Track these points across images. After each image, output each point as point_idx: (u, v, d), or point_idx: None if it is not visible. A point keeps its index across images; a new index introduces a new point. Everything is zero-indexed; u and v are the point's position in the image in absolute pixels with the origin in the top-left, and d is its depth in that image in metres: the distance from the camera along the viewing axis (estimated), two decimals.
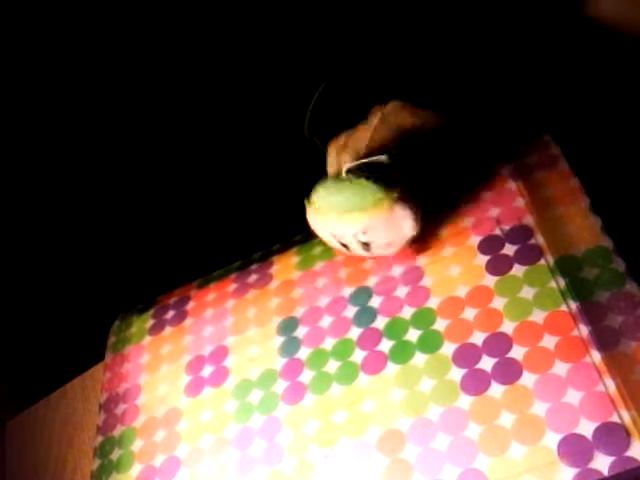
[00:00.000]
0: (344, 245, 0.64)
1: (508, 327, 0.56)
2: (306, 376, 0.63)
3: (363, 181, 0.60)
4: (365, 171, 0.61)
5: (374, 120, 0.63)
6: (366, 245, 0.63)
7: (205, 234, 0.93)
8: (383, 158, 0.62)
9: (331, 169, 0.67)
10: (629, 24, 0.61)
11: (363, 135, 0.64)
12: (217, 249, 0.85)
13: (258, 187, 0.90)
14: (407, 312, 0.62)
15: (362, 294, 0.66)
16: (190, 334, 0.73)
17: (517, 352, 0.55)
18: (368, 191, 0.60)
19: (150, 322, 0.77)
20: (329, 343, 0.64)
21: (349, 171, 0.63)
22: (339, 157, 0.66)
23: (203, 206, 0.93)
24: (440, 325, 0.59)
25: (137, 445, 0.67)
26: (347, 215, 0.61)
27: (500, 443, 0.51)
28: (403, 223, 0.61)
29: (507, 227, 0.63)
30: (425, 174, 0.65)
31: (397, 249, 0.64)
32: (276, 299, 0.71)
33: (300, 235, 0.76)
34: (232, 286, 0.75)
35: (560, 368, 0.52)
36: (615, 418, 0.48)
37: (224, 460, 0.61)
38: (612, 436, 0.48)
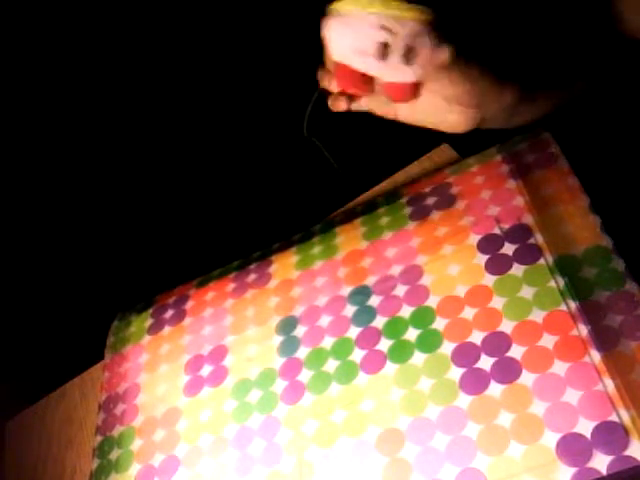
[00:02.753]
0: (383, 50, 0.55)
1: (507, 326, 0.56)
2: (305, 375, 0.63)
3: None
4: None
5: None
6: (409, 51, 0.54)
7: (204, 233, 0.93)
8: None
9: None
10: (628, 23, 0.60)
11: None
12: (216, 248, 0.85)
13: (257, 187, 0.90)
14: (406, 311, 0.62)
15: (361, 293, 0.66)
16: (189, 333, 0.73)
17: (516, 351, 0.54)
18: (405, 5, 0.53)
19: (149, 321, 0.77)
20: (328, 342, 0.64)
21: None
22: None
23: (202, 206, 0.93)
24: (439, 324, 0.59)
25: (136, 445, 0.67)
26: (405, 9, 0.53)
27: (499, 442, 0.51)
28: (439, 46, 0.54)
29: (506, 226, 0.63)
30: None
31: (421, 78, 0.57)
32: (275, 298, 0.71)
33: (299, 234, 0.76)
34: (231, 285, 0.75)
35: (559, 367, 0.52)
36: (614, 417, 0.48)
37: (223, 460, 0.61)
38: (611, 435, 0.47)
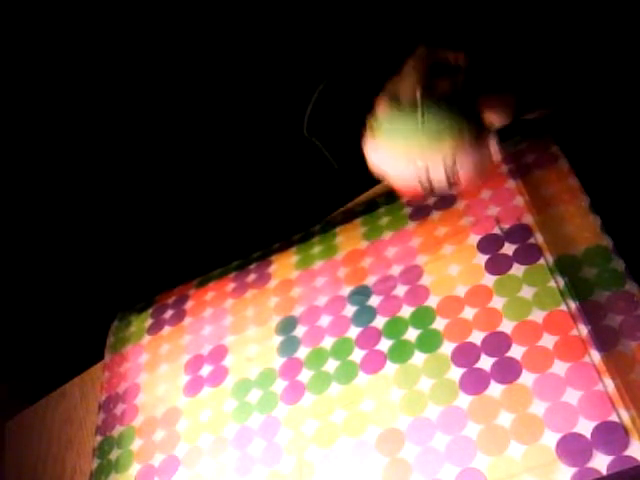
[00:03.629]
0: (424, 179, 0.57)
1: (507, 326, 0.56)
2: (305, 375, 0.63)
3: (443, 108, 0.55)
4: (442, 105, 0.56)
5: (412, 66, 0.59)
6: (452, 173, 0.56)
7: (204, 234, 0.92)
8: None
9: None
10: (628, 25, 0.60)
11: (409, 80, 0.60)
12: (216, 248, 0.85)
13: (257, 187, 0.90)
14: (406, 311, 0.62)
15: (361, 293, 0.66)
16: (189, 333, 0.73)
17: (516, 351, 0.55)
18: (456, 118, 0.55)
19: (149, 321, 0.77)
20: (328, 342, 0.64)
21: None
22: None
23: (202, 206, 0.93)
24: (439, 324, 0.59)
25: (136, 445, 0.67)
26: (437, 141, 0.55)
27: (499, 442, 0.51)
28: (491, 147, 0.56)
29: (506, 226, 0.63)
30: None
31: (476, 179, 0.57)
32: (275, 298, 0.71)
33: (299, 234, 0.76)
34: (231, 285, 0.75)
35: (559, 367, 0.52)
36: (614, 417, 0.48)
37: (223, 459, 0.61)
38: (611, 435, 0.47)
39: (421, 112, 0.55)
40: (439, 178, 0.56)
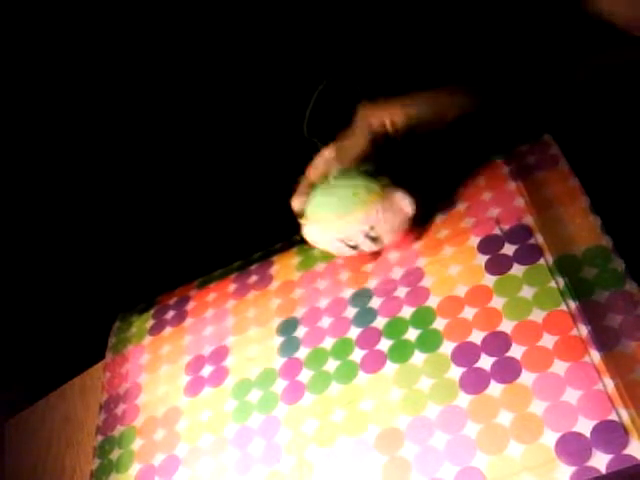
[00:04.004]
0: (353, 247, 0.65)
1: (507, 326, 0.56)
2: (305, 375, 0.63)
3: (353, 179, 0.62)
4: (351, 172, 0.63)
5: (353, 127, 0.65)
6: (375, 239, 0.64)
7: (205, 234, 0.92)
8: (367, 167, 0.64)
9: (314, 172, 0.67)
10: (628, 23, 0.61)
11: (347, 145, 0.65)
12: (217, 249, 0.85)
13: (259, 187, 0.90)
14: (406, 311, 0.62)
15: (362, 296, 0.66)
16: (190, 334, 0.73)
17: (516, 351, 0.55)
18: (361, 185, 0.62)
19: (150, 322, 0.77)
20: (328, 342, 0.64)
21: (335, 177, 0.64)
22: (326, 165, 0.66)
23: (203, 206, 0.93)
24: (439, 324, 0.59)
25: (137, 445, 0.67)
26: (349, 216, 0.62)
27: (498, 442, 0.51)
28: (402, 203, 0.62)
29: (507, 227, 0.63)
30: (414, 162, 0.67)
31: (402, 232, 0.65)
32: (276, 300, 0.71)
33: (300, 235, 0.76)
34: (232, 286, 0.75)
35: (559, 367, 0.52)
36: (613, 416, 0.48)
37: (223, 459, 0.61)
38: (610, 434, 0.47)
39: (334, 189, 0.63)
40: (362, 243, 0.64)
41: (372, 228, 0.63)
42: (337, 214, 0.62)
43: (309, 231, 0.65)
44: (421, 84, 0.66)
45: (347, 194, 0.62)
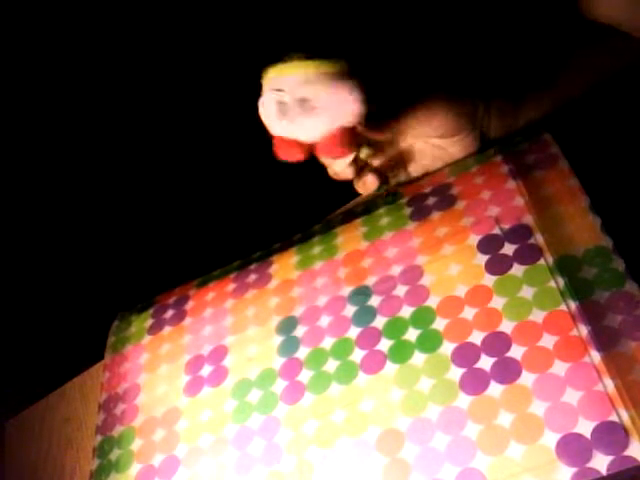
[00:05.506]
0: (283, 107, 0.59)
1: (507, 326, 0.56)
2: (305, 375, 0.63)
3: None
4: None
5: None
6: (304, 102, 0.58)
7: (205, 234, 0.93)
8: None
9: None
10: (628, 24, 0.61)
11: None
12: (216, 249, 0.85)
13: (258, 187, 0.90)
14: (406, 311, 0.62)
15: (361, 294, 0.66)
16: (189, 334, 0.73)
17: (516, 352, 0.54)
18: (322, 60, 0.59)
19: (149, 322, 0.77)
20: (328, 342, 0.64)
21: None
22: None
23: (203, 206, 0.93)
24: (439, 324, 0.59)
25: (136, 445, 0.67)
26: (292, 66, 0.58)
27: (499, 442, 0.51)
28: (349, 95, 0.58)
29: (506, 226, 0.63)
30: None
31: (334, 125, 0.59)
32: (275, 298, 0.71)
33: (299, 234, 0.76)
34: (231, 286, 0.75)
35: (559, 368, 0.52)
36: (614, 417, 0.48)
37: (223, 460, 0.61)
38: (611, 435, 0.47)
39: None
40: (292, 104, 0.58)
41: (307, 84, 0.58)
42: (284, 65, 0.59)
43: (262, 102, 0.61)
44: (418, 82, 0.66)
45: (308, 61, 0.59)
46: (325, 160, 0.64)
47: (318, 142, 0.60)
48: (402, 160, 0.70)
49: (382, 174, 0.68)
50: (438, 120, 0.66)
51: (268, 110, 0.59)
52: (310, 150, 0.61)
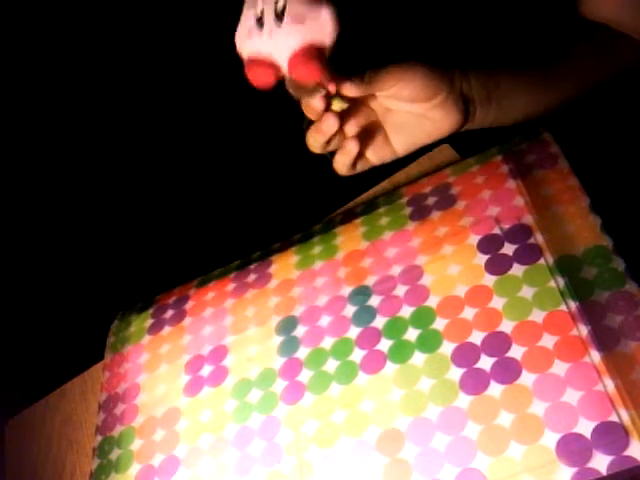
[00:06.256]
0: (259, 20, 0.57)
1: (507, 326, 0.56)
2: (305, 375, 0.63)
3: None
4: None
5: None
6: (278, 20, 0.56)
7: (204, 234, 0.92)
8: None
9: None
10: (628, 24, 0.61)
11: None
12: (216, 248, 0.85)
13: (257, 187, 0.90)
14: (406, 311, 0.62)
15: (361, 293, 0.66)
16: (189, 333, 0.73)
17: (516, 352, 0.54)
18: None
19: (149, 321, 0.77)
20: (328, 342, 0.64)
21: None
22: None
23: (203, 206, 0.93)
24: (439, 324, 0.59)
25: (136, 445, 0.67)
26: None
27: (499, 443, 0.51)
28: (324, 18, 0.56)
29: (506, 226, 0.63)
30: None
31: (306, 40, 0.56)
32: (275, 298, 0.71)
33: (299, 234, 0.76)
34: (231, 285, 0.75)
35: (559, 368, 0.52)
36: (614, 417, 0.48)
37: (223, 460, 0.61)
38: (611, 435, 0.47)
39: None
40: (267, 13, 0.56)
41: (281, 9, 0.55)
42: None
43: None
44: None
45: None
46: (294, 91, 0.61)
47: (289, 58, 0.57)
48: (383, 134, 0.67)
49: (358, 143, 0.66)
50: (411, 79, 0.62)
51: (244, 26, 0.57)
52: (280, 73, 0.58)
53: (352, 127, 0.64)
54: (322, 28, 0.56)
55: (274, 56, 0.57)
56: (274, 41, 0.56)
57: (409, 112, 0.64)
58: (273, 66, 0.57)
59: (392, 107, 0.64)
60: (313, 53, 0.56)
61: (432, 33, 0.70)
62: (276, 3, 0.55)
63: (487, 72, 0.64)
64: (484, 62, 0.64)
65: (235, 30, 0.58)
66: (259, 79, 0.58)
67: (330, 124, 0.61)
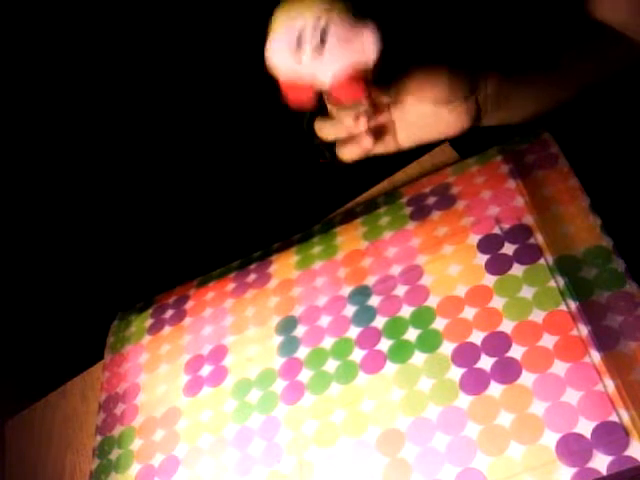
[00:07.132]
0: (297, 40, 0.55)
1: (507, 326, 0.56)
2: (305, 375, 0.63)
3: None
4: None
5: None
6: (321, 42, 0.55)
7: (204, 233, 0.93)
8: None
9: None
10: (628, 24, 0.60)
11: None
12: (216, 248, 0.85)
13: (258, 187, 0.90)
14: (406, 311, 0.62)
15: (361, 293, 0.66)
16: (189, 333, 0.73)
17: (516, 351, 0.54)
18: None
19: (149, 321, 0.77)
20: (328, 342, 0.64)
21: None
22: None
23: (203, 206, 0.93)
24: (439, 324, 0.59)
25: (136, 445, 0.67)
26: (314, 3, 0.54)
27: (499, 443, 0.51)
28: (367, 40, 0.55)
29: (506, 226, 0.63)
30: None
31: (350, 64, 0.56)
32: (275, 298, 0.71)
33: (299, 234, 0.76)
34: (231, 285, 0.75)
35: (559, 368, 0.52)
36: (614, 417, 0.48)
37: (223, 460, 0.61)
38: (611, 435, 0.47)
39: None
40: (309, 36, 0.54)
41: (326, 23, 0.54)
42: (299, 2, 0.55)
43: (275, 17, 0.56)
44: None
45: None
46: (333, 109, 0.61)
47: (333, 81, 0.56)
48: (392, 126, 0.66)
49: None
50: (436, 83, 0.62)
51: (280, 42, 0.55)
52: (318, 95, 0.58)
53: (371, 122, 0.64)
54: (366, 49, 0.55)
55: (317, 78, 0.56)
56: (317, 63, 0.56)
57: (422, 110, 0.64)
58: (313, 87, 0.57)
59: (407, 104, 0.64)
60: (358, 75, 0.56)
61: (452, 37, 0.70)
62: (318, 23, 0.54)
63: (504, 81, 0.64)
64: (495, 65, 0.64)
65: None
66: (298, 100, 0.58)
67: (368, 142, 0.62)
